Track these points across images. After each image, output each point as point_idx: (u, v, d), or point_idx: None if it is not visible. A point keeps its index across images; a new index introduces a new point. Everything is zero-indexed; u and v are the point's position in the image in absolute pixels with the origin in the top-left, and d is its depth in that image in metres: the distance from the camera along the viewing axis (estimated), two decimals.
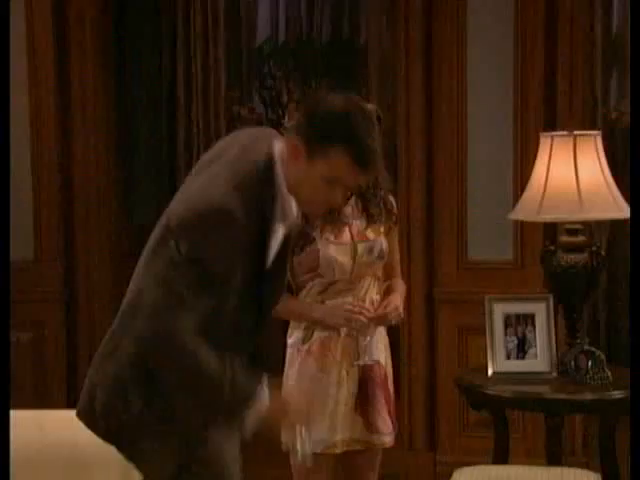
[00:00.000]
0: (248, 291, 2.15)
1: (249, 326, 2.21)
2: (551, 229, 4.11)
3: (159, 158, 5.11)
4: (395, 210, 3.04)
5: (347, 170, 2.13)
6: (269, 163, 2.16)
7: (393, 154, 4.51)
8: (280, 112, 5.41)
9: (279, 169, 2.16)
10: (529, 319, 3.54)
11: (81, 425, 2.25)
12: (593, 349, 3.46)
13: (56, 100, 4.61)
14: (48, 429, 2.63)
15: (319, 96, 2.25)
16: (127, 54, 5.06)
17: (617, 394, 3.37)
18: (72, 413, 2.27)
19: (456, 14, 4.36)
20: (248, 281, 2.13)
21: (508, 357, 3.52)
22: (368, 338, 2.92)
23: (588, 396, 3.37)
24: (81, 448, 2.60)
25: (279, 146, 2.19)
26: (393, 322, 2.98)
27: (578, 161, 3.44)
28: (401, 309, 2.96)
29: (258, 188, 2.12)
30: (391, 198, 3.04)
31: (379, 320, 2.93)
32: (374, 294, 3.00)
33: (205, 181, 2.13)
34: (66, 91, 4.64)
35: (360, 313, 2.87)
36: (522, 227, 4.28)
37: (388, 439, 3.03)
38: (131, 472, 2.52)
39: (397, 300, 2.96)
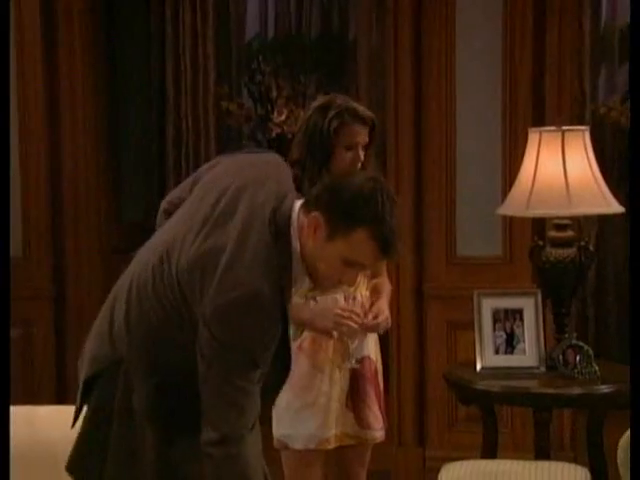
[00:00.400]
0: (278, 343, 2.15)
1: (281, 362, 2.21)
2: (540, 224, 4.12)
3: (148, 155, 5.11)
4: None
5: (368, 253, 2.05)
6: (287, 223, 2.09)
7: (382, 151, 4.51)
8: (269, 107, 5.41)
9: (295, 233, 2.09)
10: (517, 314, 3.55)
11: (71, 421, 2.25)
12: (581, 344, 3.48)
13: (45, 98, 4.59)
14: (38, 425, 2.62)
15: (344, 173, 2.19)
16: (116, 52, 5.05)
17: (605, 389, 3.38)
18: (62, 409, 2.27)
19: (445, 11, 4.36)
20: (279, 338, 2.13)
21: (496, 352, 3.53)
22: (357, 342, 2.92)
23: (576, 391, 3.39)
24: (71, 444, 2.60)
25: (297, 206, 2.11)
26: (381, 331, 2.98)
27: (566, 156, 3.45)
28: (389, 317, 2.96)
29: (277, 255, 2.07)
30: None
31: (368, 328, 2.92)
32: (364, 290, 3.01)
33: (232, 258, 2.03)
34: (55, 89, 4.63)
35: (349, 318, 2.86)
36: (511, 222, 4.30)
37: (379, 434, 3.04)
38: None
39: (385, 307, 2.96)
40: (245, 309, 2.01)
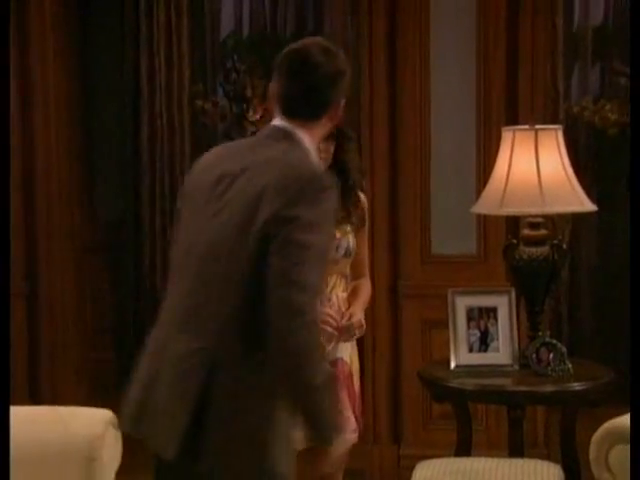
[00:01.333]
0: None
1: None
2: (513, 223, 4.14)
3: (123, 153, 5.10)
4: (365, 214, 3.05)
5: None
6: (290, 135, 2.24)
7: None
8: (244, 106, 5.40)
9: (303, 140, 2.23)
10: (491, 312, 3.56)
11: (46, 422, 2.22)
12: (554, 342, 3.50)
13: (17, 98, 4.56)
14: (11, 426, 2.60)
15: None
16: (90, 50, 5.03)
17: (577, 386, 3.40)
18: (35, 409, 2.25)
19: (419, 10, 4.38)
20: None
21: (470, 350, 3.54)
22: (333, 343, 2.91)
23: (549, 388, 3.40)
24: (47, 445, 2.57)
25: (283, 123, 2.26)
26: (358, 334, 2.97)
27: (540, 155, 3.46)
28: (363, 321, 2.95)
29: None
30: (363, 199, 3.05)
31: (342, 333, 2.90)
32: (340, 291, 2.99)
33: (286, 160, 2.15)
34: (28, 89, 4.60)
35: (325, 322, 2.84)
36: (485, 221, 4.31)
37: (351, 437, 2.99)
38: (92, 464, 2.51)
39: (359, 312, 2.95)
40: (319, 191, 2.08)
